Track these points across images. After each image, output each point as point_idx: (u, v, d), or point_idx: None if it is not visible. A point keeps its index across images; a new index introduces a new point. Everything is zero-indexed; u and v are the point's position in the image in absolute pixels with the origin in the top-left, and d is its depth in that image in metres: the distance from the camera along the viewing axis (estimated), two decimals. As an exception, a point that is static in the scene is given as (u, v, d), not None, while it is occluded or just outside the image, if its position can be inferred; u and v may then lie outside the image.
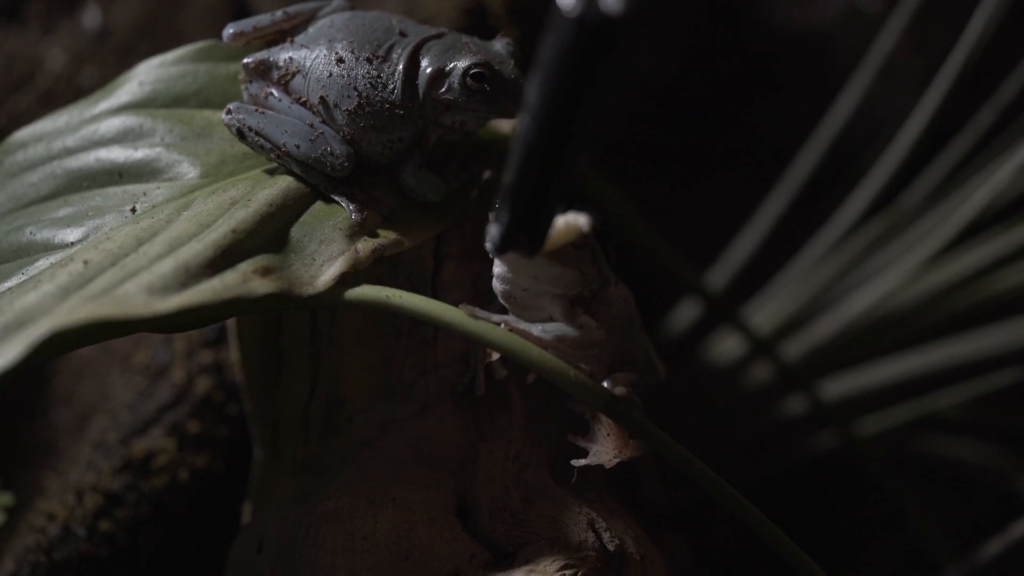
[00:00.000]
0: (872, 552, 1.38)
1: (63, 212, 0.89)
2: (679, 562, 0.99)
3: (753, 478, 1.34)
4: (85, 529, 1.03)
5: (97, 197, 0.89)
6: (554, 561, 0.84)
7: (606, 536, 0.87)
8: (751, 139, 1.56)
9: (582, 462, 0.88)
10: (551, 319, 0.87)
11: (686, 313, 1.39)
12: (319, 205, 0.88)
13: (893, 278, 1.19)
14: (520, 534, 0.88)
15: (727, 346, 1.34)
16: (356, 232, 0.86)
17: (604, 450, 0.87)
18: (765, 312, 1.31)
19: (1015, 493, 1.28)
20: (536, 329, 0.85)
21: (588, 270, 0.86)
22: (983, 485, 1.33)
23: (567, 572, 0.84)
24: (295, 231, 0.86)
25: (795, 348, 1.27)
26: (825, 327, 1.24)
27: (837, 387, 1.27)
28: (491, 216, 0.77)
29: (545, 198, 0.74)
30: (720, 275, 1.36)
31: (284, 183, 0.88)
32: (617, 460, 0.87)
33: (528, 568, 0.84)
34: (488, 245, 0.77)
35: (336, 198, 0.87)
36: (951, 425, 1.31)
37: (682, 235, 1.36)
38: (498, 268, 0.86)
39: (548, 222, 0.76)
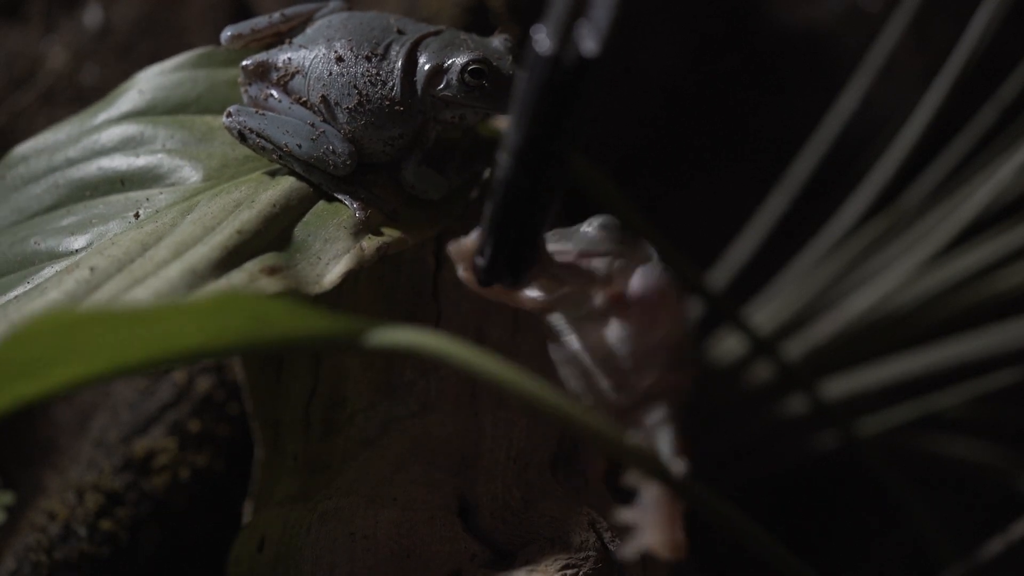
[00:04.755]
0: (873, 551, 1.38)
1: (67, 221, 0.89)
2: (680, 562, 0.99)
3: (754, 478, 1.34)
4: (86, 528, 1.04)
5: (100, 205, 0.89)
6: (555, 561, 0.85)
7: (607, 536, 0.87)
8: (752, 138, 1.56)
9: (629, 551, 0.79)
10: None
11: (687, 312, 1.39)
12: (322, 204, 0.88)
13: (894, 277, 1.19)
14: (521, 534, 0.88)
15: (728, 345, 1.34)
16: (360, 230, 0.86)
17: (652, 525, 0.78)
18: (766, 312, 1.31)
19: (1016, 492, 1.28)
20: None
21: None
22: (984, 484, 1.33)
23: (568, 572, 0.84)
24: (299, 231, 0.86)
25: (796, 348, 1.27)
26: (826, 327, 1.24)
27: (838, 387, 1.27)
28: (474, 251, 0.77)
29: (527, 232, 0.75)
30: (721, 274, 1.36)
31: (286, 184, 0.88)
32: (668, 545, 0.78)
33: (529, 568, 0.84)
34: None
35: (339, 197, 0.88)
36: (952, 425, 1.31)
37: (683, 234, 1.36)
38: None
39: (532, 256, 0.77)
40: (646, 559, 0.88)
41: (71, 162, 0.92)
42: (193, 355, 0.73)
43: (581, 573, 0.84)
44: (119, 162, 0.91)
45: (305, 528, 0.87)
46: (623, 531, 0.83)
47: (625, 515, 0.80)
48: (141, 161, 0.90)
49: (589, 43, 0.66)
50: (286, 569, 0.87)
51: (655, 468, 0.76)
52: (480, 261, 0.77)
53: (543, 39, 0.67)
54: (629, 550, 0.79)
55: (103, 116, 0.94)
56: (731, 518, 0.77)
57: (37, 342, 0.65)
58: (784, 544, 0.81)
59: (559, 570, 0.84)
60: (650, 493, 0.79)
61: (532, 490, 0.90)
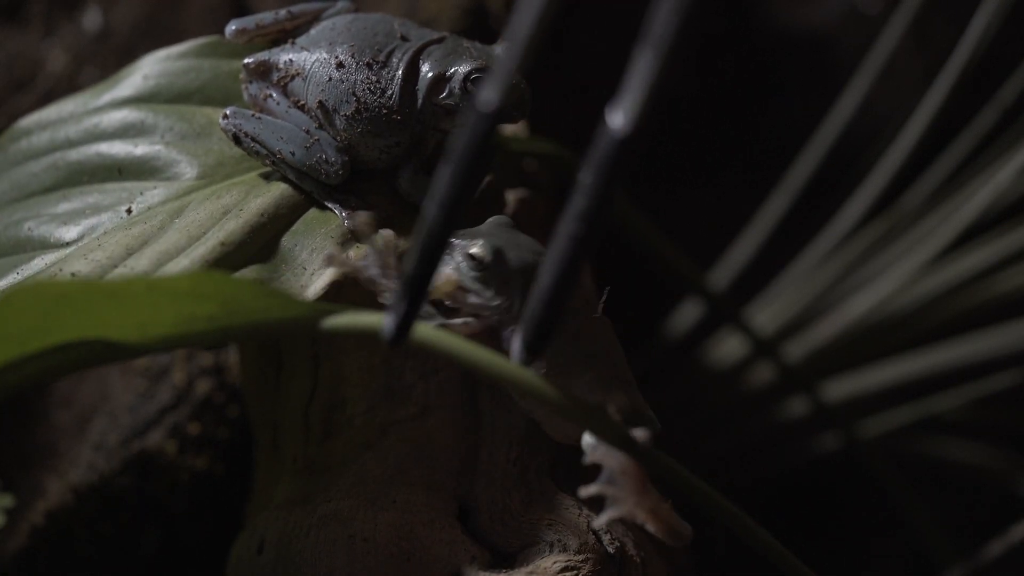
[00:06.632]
0: (873, 554, 1.39)
1: (62, 207, 0.90)
2: (680, 565, 0.99)
3: (754, 480, 1.34)
4: (86, 531, 1.04)
5: (95, 193, 0.90)
6: (555, 563, 0.85)
7: (606, 538, 0.87)
8: (752, 140, 1.56)
9: (602, 520, 0.78)
10: None
11: (688, 314, 1.39)
12: (313, 212, 0.88)
13: (895, 280, 1.19)
14: (521, 536, 0.88)
15: (729, 347, 1.34)
16: (348, 239, 0.86)
17: (622, 495, 0.78)
18: (767, 313, 1.31)
19: (1016, 495, 1.28)
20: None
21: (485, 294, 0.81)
22: (984, 487, 1.33)
23: (568, 574, 0.84)
24: (286, 240, 0.86)
25: (797, 349, 1.27)
26: (827, 328, 1.24)
27: (839, 388, 1.27)
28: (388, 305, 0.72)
29: None
30: (722, 275, 1.36)
31: (278, 190, 0.88)
32: (638, 509, 0.78)
33: (528, 570, 0.84)
34: (383, 336, 0.72)
35: (330, 205, 0.87)
36: (952, 427, 1.31)
37: (683, 235, 1.36)
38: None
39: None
40: (646, 559, 0.88)
41: (72, 143, 0.92)
42: (165, 341, 0.72)
43: (581, 575, 0.84)
44: (118, 149, 0.91)
45: (305, 530, 0.87)
46: (598, 503, 0.83)
47: (589, 490, 0.78)
48: (139, 151, 0.91)
49: (619, 119, 0.61)
50: (285, 571, 0.87)
51: (617, 435, 0.74)
52: (391, 320, 0.71)
53: (488, 94, 0.63)
54: (601, 520, 0.78)
55: (107, 97, 0.94)
56: (698, 488, 0.75)
57: (17, 314, 0.66)
58: (783, 545, 0.81)
59: (559, 572, 0.84)
60: (615, 460, 0.77)
61: (532, 493, 0.90)
